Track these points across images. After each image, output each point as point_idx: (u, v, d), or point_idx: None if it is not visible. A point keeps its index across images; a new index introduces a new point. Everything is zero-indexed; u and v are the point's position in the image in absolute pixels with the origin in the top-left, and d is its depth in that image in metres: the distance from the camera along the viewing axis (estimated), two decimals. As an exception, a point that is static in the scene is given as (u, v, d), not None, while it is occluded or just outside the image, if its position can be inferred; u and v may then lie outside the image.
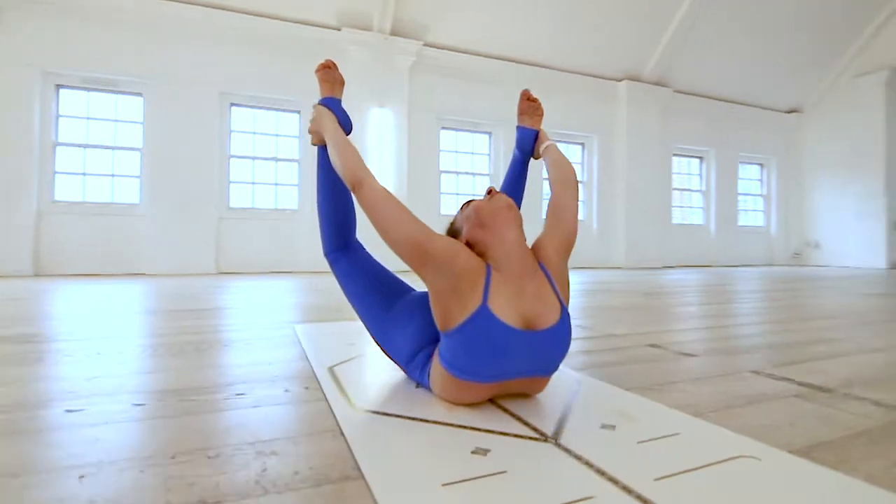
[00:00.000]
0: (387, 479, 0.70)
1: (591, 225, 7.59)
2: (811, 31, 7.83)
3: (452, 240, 0.99)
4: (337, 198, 1.28)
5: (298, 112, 6.00)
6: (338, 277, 1.30)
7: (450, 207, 6.86)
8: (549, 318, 0.96)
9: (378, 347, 1.32)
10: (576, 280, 4.92)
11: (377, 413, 0.98)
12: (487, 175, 7.02)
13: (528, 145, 1.43)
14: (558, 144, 6.67)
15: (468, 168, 6.97)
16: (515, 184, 1.47)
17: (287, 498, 0.65)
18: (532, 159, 1.47)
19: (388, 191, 1.04)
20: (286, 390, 1.15)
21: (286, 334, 1.87)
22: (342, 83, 1.38)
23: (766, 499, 0.66)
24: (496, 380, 0.95)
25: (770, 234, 9.47)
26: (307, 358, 1.46)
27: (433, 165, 6.61)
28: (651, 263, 7.70)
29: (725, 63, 7.85)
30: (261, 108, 5.86)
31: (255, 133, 5.90)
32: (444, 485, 0.68)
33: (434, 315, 0.98)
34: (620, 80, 7.46)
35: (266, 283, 4.23)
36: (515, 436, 0.86)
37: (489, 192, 1.09)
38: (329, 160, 1.25)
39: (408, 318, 1.15)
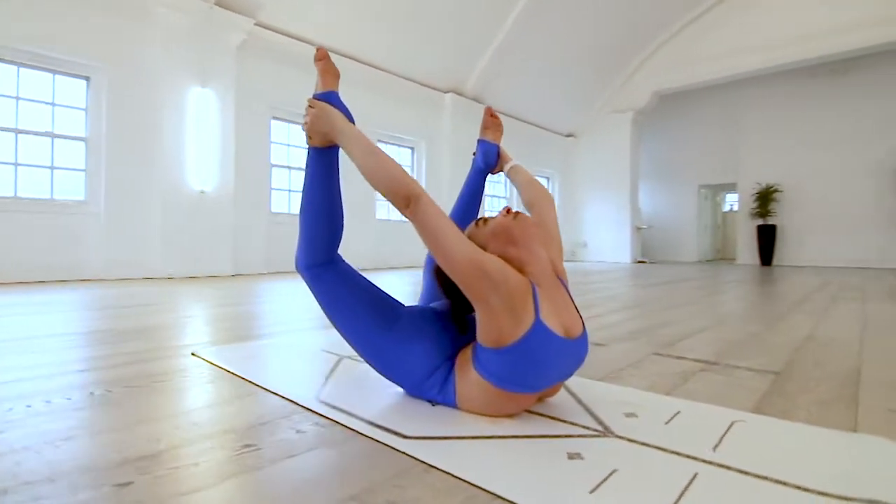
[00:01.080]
0: (536, 497, 0.70)
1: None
2: (586, 73, 9.73)
3: (499, 258, 1.00)
4: (331, 207, 1.15)
5: (87, 78, 4.79)
6: (320, 294, 1.16)
7: (281, 204, 6.39)
8: (579, 326, 1.05)
9: (370, 366, 1.21)
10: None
11: (437, 438, 0.93)
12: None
13: (493, 159, 1.51)
14: (391, 146, 6.80)
15: (302, 164, 6.59)
16: (476, 195, 1.53)
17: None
18: (490, 174, 1.54)
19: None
20: (297, 431, 0.98)
21: (187, 369, 1.54)
22: (338, 76, 1.23)
23: (785, 446, 0.89)
24: (545, 388, 1.01)
25: (554, 235, 11.40)
26: (273, 393, 1.25)
27: (263, 158, 6.06)
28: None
29: (527, 89, 9.15)
30: (24, 65, 4.49)
31: (17, 98, 4.49)
32: (590, 492, 0.72)
33: (484, 335, 0.98)
34: (446, 93, 8.03)
35: (41, 299, 3.29)
36: (580, 436, 0.94)
37: (508, 210, 1.12)
38: (323, 163, 1.11)
39: (416, 336, 1.11)
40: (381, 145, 7.21)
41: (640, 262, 10.74)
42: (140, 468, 0.78)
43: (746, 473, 0.78)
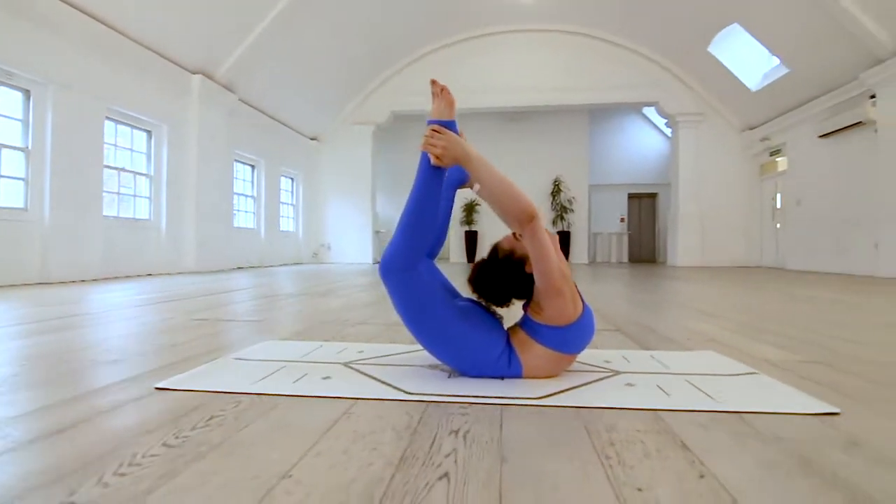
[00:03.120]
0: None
1: (160, 225, 6.76)
2: (336, 82, 10.11)
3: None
4: (436, 218, 1.25)
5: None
6: (407, 294, 1.26)
7: (111, 207, 4.53)
8: (582, 306, 1.51)
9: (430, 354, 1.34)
10: (146, 289, 4.56)
11: (552, 395, 1.22)
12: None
13: (466, 174, 1.78)
14: (122, 126, 5.72)
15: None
16: (451, 209, 1.75)
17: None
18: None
19: None
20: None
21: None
22: (454, 105, 1.32)
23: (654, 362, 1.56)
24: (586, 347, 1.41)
25: (298, 237, 11.33)
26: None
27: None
28: (220, 266, 7.69)
29: (279, 87, 8.87)
30: None
31: None
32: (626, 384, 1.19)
33: (556, 318, 1.30)
34: (195, 74, 7.04)
35: None
36: (605, 378, 1.39)
37: (515, 235, 1.43)
38: (437, 181, 1.22)
39: (483, 327, 1.35)
40: (109, 124, 5.85)
41: (379, 262, 11.79)
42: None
43: (663, 372, 1.40)
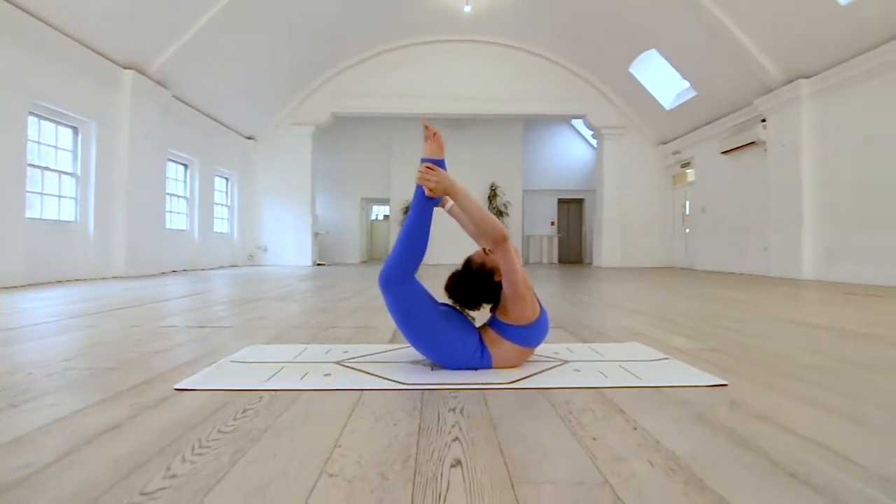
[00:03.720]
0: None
1: (87, 228, 6.39)
2: (274, 81, 9.95)
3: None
4: (427, 236, 1.49)
5: None
6: (403, 302, 1.51)
7: (34, 209, 4.05)
8: (537, 306, 1.83)
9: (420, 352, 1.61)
10: (84, 297, 4.47)
11: (542, 370, 1.51)
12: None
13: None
14: (46, 122, 5.47)
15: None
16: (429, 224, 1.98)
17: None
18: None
19: None
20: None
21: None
22: (444, 146, 1.59)
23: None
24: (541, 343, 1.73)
25: (233, 239, 11.00)
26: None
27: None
28: (150, 270, 7.37)
29: (215, 83, 8.62)
30: None
31: None
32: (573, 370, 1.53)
33: (518, 318, 1.60)
34: (127, 69, 6.72)
35: None
36: (557, 366, 1.72)
37: (485, 250, 1.73)
38: (431, 208, 1.49)
39: (462, 329, 1.63)
40: (32, 120, 5.50)
41: (319, 264, 11.72)
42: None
43: (599, 360, 1.77)
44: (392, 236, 13.61)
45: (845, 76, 6.22)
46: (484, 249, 1.73)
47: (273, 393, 1.40)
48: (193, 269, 8.84)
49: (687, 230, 10.64)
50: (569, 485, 0.85)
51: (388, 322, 2.71)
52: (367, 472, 0.89)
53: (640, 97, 10.43)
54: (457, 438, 1.06)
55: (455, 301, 1.71)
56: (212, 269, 9.41)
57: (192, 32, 7.07)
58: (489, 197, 13.36)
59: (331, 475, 0.88)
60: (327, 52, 10.30)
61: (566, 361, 1.78)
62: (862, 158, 6.10)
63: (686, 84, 9.23)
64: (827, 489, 0.83)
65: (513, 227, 13.48)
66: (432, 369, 1.65)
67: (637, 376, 1.57)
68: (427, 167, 1.58)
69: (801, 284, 5.94)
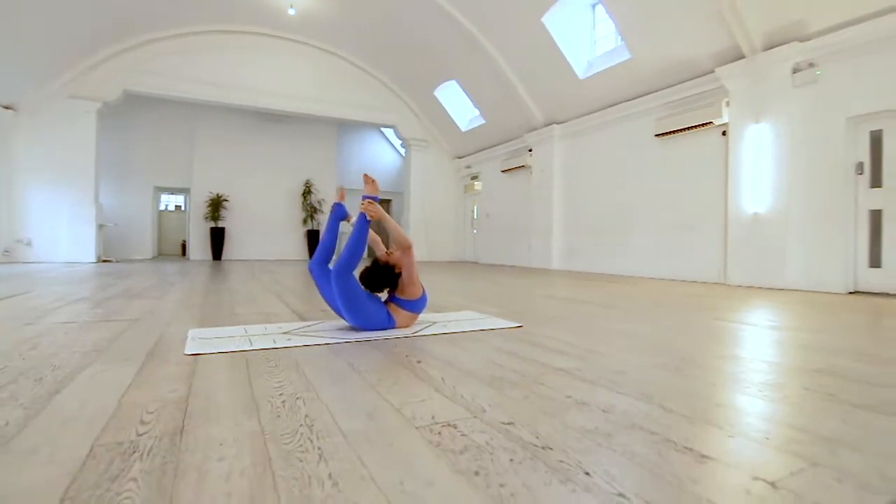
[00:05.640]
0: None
1: None
2: (42, 42, 8.49)
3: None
4: (365, 245, 2.33)
5: None
6: (349, 286, 2.33)
7: None
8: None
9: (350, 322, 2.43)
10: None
11: (437, 327, 2.48)
12: None
13: (345, 213, 2.86)
14: None
15: None
16: (336, 232, 2.80)
17: (470, 338, 2.42)
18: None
19: None
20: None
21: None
22: (378, 189, 2.36)
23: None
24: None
25: (-20, 230, 8.95)
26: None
27: None
28: None
29: (-29, 41, 7.06)
30: None
31: None
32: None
33: (410, 295, 2.57)
34: None
35: None
36: (431, 325, 2.76)
37: (389, 252, 2.68)
38: (367, 225, 2.31)
39: (376, 302, 2.53)
40: None
41: (104, 260, 10.37)
42: (386, 355, 2.00)
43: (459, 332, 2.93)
44: (190, 228, 12.69)
45: (581, 127, 8.85)
46: (387, 252, 2.66)
47: (269, 352, 2.09)
48: (-69, 268, 7.07)
49: (475, 231, 12.94)
50: (435, 378, 1.90)
51: (286, 310, 3.36)
52: (382, 368, 1.78)
53: (442, 117, 12.27)
54: (420, 361, 2.01)
55: (366, 286, 2.60)
56: (-43, 266, 7.61)
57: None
58: (303, 193, 13.65)
59: (373, 388, 1.75)
60: (124, 18, 9.23)
61: (434, 322, 2.85)
62: (587, 186, 8.80)
63: (477, 112, 11.34)
64: (575, 369, 2.07)
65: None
66: (358, 332, 2.51)
67: (473, 328, 2.73)
68: (369, 202, 2.44)
69: (552, 273, 8.30)
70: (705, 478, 0.97)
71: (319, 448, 1.08)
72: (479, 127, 11.48)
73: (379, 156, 16.51)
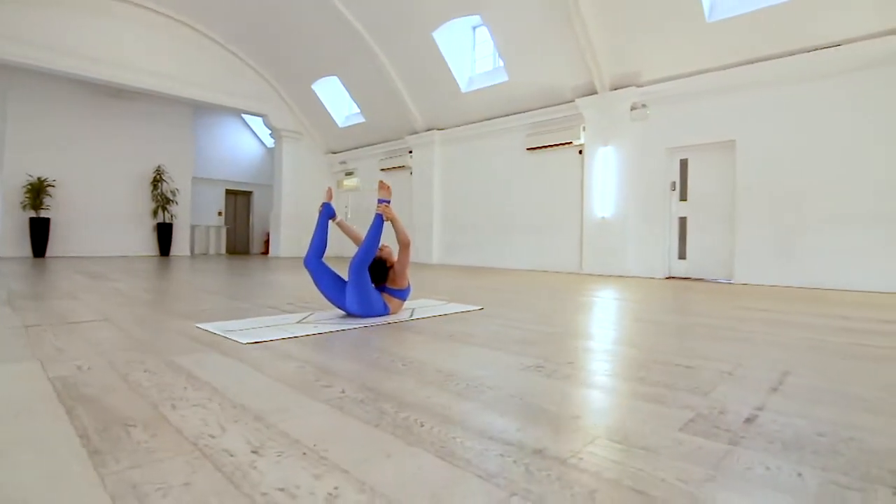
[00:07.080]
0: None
1: None
2: None
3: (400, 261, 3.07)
4: (379, 242, 2.70)
5: None
6: (363, 279, 2.70)
7: None
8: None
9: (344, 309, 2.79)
10: None
11: (418, 312, 2.95)
12: None
13: (333, 212, 3.16)
14: None
15: None
16: (326, 229, 3.08)
17: (458, 318, 3.00)
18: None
19: None
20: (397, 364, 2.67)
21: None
22: (391, 191, 2.70)
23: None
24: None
25: None
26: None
27: None
28: None
29: None
30: None
31: None
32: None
33: (399, 286, 3.03)
34: None
35: None
36: (413, 310, 3.25)
37: (383, 246, 3.08)
38: (382, 225, 2.70)
39: (377, 293, 2.93)
40: None
41: None
42: (419, 333, 2.48)
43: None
44: (7, 218, 10.42)
45: (461, 135, 9.81)
46: (380, 248, 3.07)
47: (305, 338, 2.38)
48: None
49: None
50: (423, 352, 2.50)
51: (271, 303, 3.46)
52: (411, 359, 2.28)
53: (318, 111, 12.18)
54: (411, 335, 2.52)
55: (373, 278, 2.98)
56: None
57: None
58: (153, 181, 12.19)
59: (401, 366, 2.23)
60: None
61: (415, 309, 3.34)
62: (467, 188, 9.83)
63: (357, 110, 11.59)
64: (531, 341, 2.80)
65: (181, 216, 12.81)
66: (357, 319, 2.88)
67: (445, 312, 3.32)
68: (385, 206, 2.83)
69: (433, 267, 9.11)
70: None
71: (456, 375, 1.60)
72: (357, 125, 11.73)
73: (240, 144, 15.46)
